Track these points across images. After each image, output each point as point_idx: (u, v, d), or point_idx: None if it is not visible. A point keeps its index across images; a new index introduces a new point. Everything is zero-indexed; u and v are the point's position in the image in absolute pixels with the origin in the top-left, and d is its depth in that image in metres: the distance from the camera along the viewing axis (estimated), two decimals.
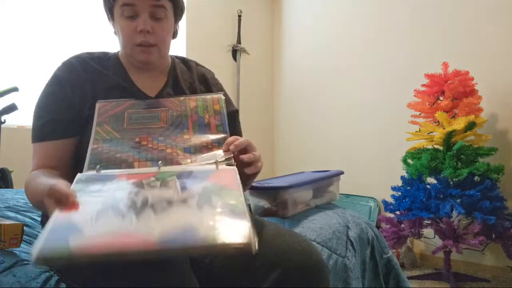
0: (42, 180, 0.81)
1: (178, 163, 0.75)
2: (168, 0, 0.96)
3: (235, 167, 0.71)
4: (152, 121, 0.85)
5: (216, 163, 0.72)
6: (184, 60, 1.15)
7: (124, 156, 0.76)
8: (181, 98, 0.91)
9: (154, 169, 0.71)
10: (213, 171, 0.70)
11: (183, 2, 1.03)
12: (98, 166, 0.70)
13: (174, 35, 1.08)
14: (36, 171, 0.89)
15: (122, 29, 0.95)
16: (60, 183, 0.63)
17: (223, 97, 0.93)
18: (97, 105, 0.87)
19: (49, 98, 0.95)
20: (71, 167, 0.93)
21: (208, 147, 0.81)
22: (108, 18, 1.01)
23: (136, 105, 0.88)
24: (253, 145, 0.84)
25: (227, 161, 0.75)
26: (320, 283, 0.82)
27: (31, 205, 0.93)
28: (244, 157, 0.79)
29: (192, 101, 0.90)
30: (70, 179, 0.83)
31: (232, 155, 0.77)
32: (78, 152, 0.94)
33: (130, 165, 0.73)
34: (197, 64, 1.16)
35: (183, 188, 0.64)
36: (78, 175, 0.68)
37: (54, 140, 0.92)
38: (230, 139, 0.82)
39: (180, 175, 0.68)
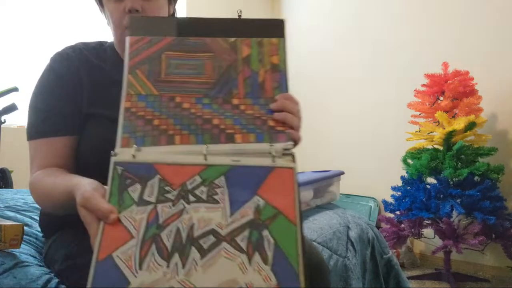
0: (58, 179, 0.74)
1: (227, 140, 0.63)
2: None
3: (294, 165, 0.59)
4: (195, 73, 0.69)
5: (273, 156, 0.60)
6: None
7: (163, 124, 0.64)
8: (231, 40, 0.71)
9: (199, 157, 0.60)
10: (267, 172, 0.59)
11: None
12: (135, 147, 0.60)
13: None
14: (43, 171, 0.81)
15: (111, 12, 0.86)
16: (92, 190, 0.57)
17: (283, 42, 0.72)
18: (128, 39, 0.70)
19: (47, 92, 0.86)
20: (74, 169, 0.85)
21: (262, 118, 0.66)
22: (100, 8, 0.94)
23: (176, 44, 0.71)
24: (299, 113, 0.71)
25: (285, 147, 0.62)
26: (321, 283, 0.81)
27: (42, 208, 0.86)
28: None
29: (245, 46, 0.71)
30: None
31: (291, 143, 0.63)
32: (77, 155, 0.86)
33: (171, 140, 0.62)
34: None
35: (233, 207, 0.56)
36: (114, 161, 0.59)
37: (58, 136, 0.84)
38: (282, 101, 0.67)
39: (229, 175, 0.58)
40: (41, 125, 0.85)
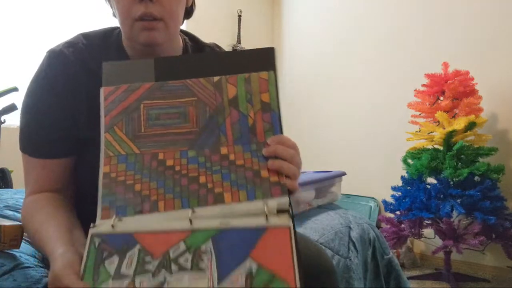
0: (48, 229, 0.66)
1: (215, 201, 0.57)
2: None
3: (290, 224, 0.53)
4: (178, 123, 0.63)
5: (266, 215, 0.54)
6: (197, 43, 0.89)
7: (145, 189, 0.58)
8: (215, 79, 0.64)
9: (184, 222, 0.54)
10: (260, 233, 0.52)
11: None
12: (114, 218, 0.56)
13: (189, 12, 0.83)
14: (37, 200, 0.74)
15: (117, 1, 0.72)
16: (64, 267, 0.53)
17: (274, 75, 0.64)
18: (102, 91, 0.65)
19: (41, 105, 0.75)
20: (74, 187, 0.79)
21: (253, 168, 0.59)
22: None
23: (154, 90, 0.64)
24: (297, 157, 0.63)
25: (280, 205, 0.55)
26: (332, 284, 0.81)
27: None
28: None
29: (231, 85, 0.64)
30: (75, 204, 0.77)
31: (286, 199, 0.57)
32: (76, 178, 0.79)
33: (154, 206, 0.57)
34: (217, 46, 0.93)
35: (221, 274, 0.50)
36: (91, 233, 0.55)
37: (57, 159, 0.75)
38: (274, 147, 0.60)
39: (217, 239, 0.52)
40: (36, 144, 0.76)
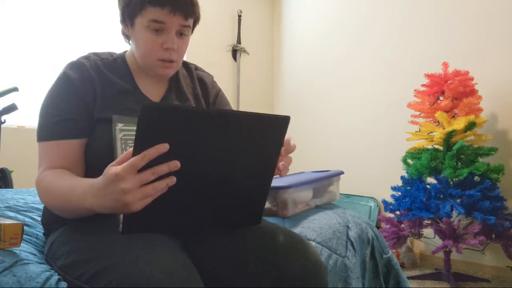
0: (76, 181, 0.79)
1: None
2: (192, 18, 0.96)
3: None
4: None
5: None
6: (184, 64, 1.14)
7: None
8: None
9: None
10: None
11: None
12: None
13: None
14: (53, 171, 0.86)
15: (145, 42, 0.93)
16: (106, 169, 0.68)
17: None
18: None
19: (61, 98, 0.91)
20: (83, 170, 0.92)
21: None
22: (124, 20, 0.97)
23: None
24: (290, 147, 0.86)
25: None
26: (318, 283, 0.81)
27: (51, 208, 0.87)
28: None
29: None
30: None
31: None
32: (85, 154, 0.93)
33: None
34: (196, 68, 1.15)
35: None
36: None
37: (69, 139, 0.89)
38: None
39: None
40: (52, 128, 0.89)
